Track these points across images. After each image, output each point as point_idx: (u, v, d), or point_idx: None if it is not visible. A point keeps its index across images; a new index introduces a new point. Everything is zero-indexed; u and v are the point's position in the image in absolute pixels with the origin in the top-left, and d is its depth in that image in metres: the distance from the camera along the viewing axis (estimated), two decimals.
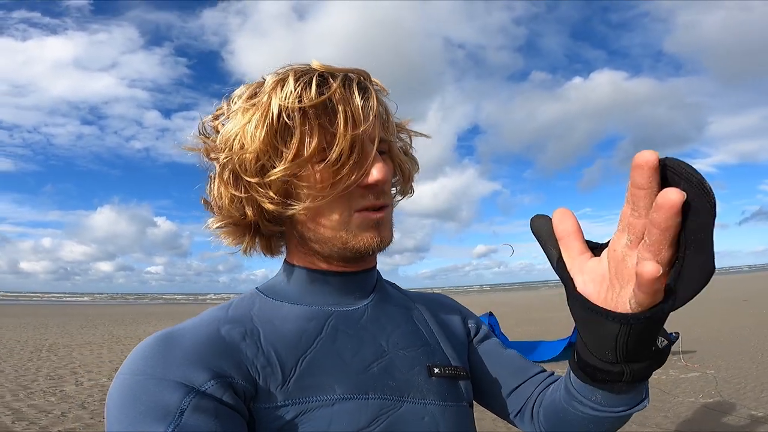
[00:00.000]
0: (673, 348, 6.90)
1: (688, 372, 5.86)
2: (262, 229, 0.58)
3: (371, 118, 0.51)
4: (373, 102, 0.52)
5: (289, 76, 0.50)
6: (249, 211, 0.55)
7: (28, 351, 8.99)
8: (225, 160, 0.53)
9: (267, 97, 0.50)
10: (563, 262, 0.43)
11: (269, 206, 0.53)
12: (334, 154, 0.49)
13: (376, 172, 0.52)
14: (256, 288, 0.60)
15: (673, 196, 0.30)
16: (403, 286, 0.73)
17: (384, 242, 0.56)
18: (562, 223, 0.42)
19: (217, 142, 0.54)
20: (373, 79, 0.56)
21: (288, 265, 0.62)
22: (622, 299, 0.37)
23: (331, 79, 0.50)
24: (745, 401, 4.55)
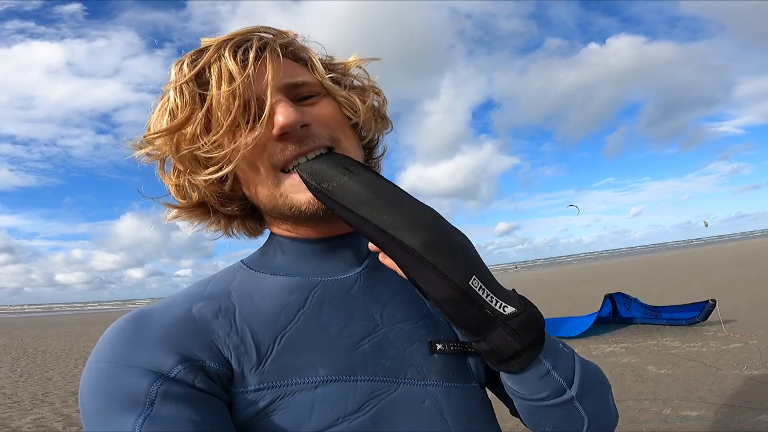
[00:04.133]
0: (713, 317, 6.73)
1: (730, 342, 5.67)
2: (222, 211, 0.56)
3: (250, 68, 0.47)
4: (252, 53, 0.48)
5: (172, 65, 0.51)
6: (194, 195, 0.54)
7: (74, 358, 9.36)
8: (155, 153, 0.53)
9: (165, 88, 0.51)
10: None
11: (206, 187, 0.52)
12: (214, 117, 0.47)
13: (281, 117, 0.47)
14: (241, 261, 0.56)
15: None
16: None
17: None
18: None
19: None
20: (280, 30, 0.54)
21: (271, 234, 0.58)
22: None
23: (208, 51, 0.49)
24: None
